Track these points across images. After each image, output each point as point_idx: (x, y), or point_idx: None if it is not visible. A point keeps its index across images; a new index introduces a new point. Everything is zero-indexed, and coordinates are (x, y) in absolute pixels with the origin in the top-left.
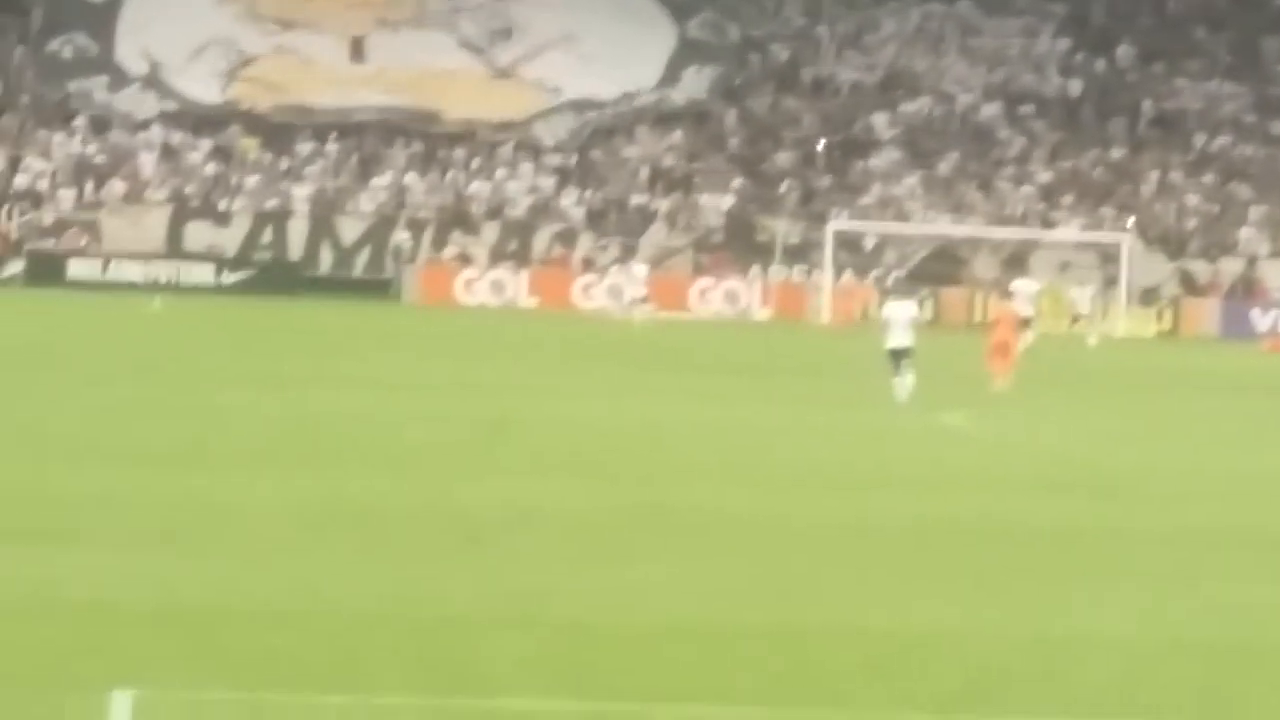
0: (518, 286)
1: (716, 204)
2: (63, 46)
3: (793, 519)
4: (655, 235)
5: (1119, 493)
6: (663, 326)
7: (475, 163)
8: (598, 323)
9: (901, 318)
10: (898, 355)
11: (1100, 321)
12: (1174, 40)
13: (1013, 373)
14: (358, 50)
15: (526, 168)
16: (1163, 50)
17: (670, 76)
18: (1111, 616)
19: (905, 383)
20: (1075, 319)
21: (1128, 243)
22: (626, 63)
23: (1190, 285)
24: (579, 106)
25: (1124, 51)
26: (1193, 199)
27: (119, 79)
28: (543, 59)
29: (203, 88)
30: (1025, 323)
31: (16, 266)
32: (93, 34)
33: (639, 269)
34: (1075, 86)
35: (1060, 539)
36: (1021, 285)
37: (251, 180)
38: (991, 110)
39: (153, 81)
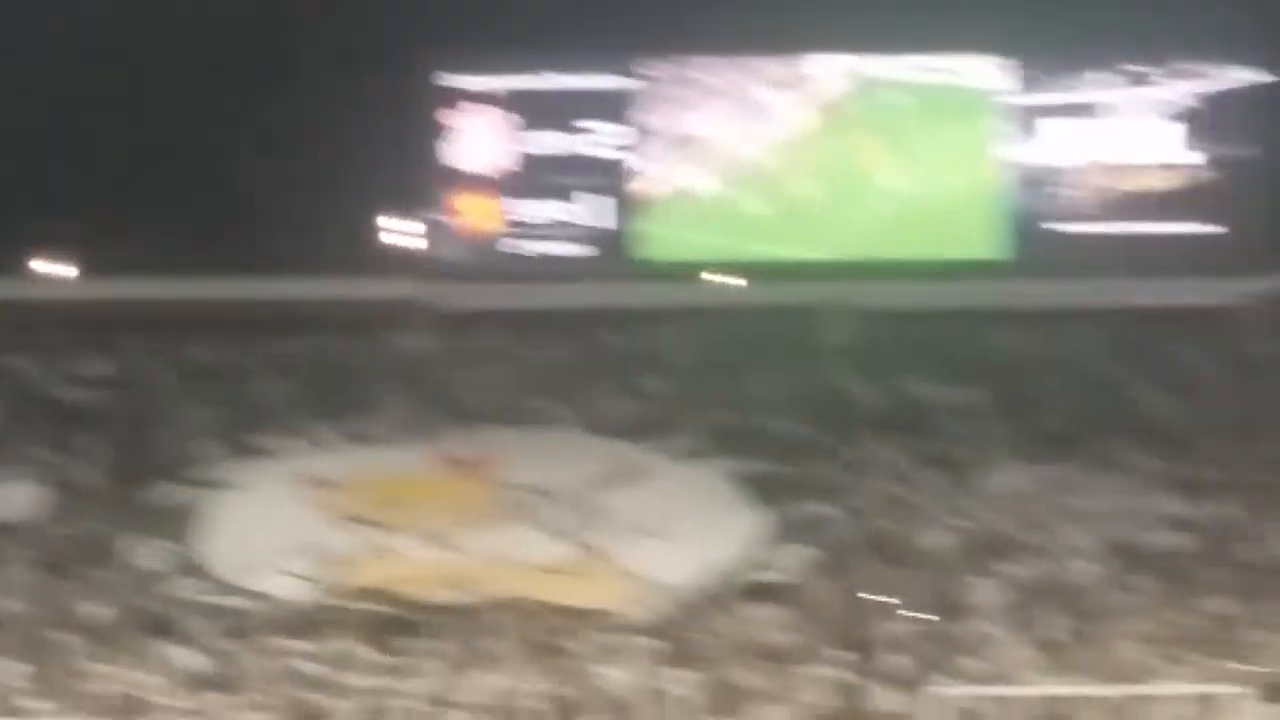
0: None
1: (823, 680)
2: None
3: None
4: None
5: None
6: None
7: (581, 651)
8: None
9: None
10: None
11: None
12: (1276, 488)
13: None
14: (447, 545)
15: (630, 653)
16: (1265, 499)
17: (766, 554)
18: None
19: None
20: None
21: (1244, 695)
22: (722, 544)
23: None
24: (681, 589)
25: (1225, 502)
26: None
27: (220, 584)
28: (635, 546)
29: (299, 590)
30: None
31: None
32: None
33: None
34: (1179, 539)
35: None
36: None
37: (363, 682)
38: (1097, 569)
39: (248, 585)
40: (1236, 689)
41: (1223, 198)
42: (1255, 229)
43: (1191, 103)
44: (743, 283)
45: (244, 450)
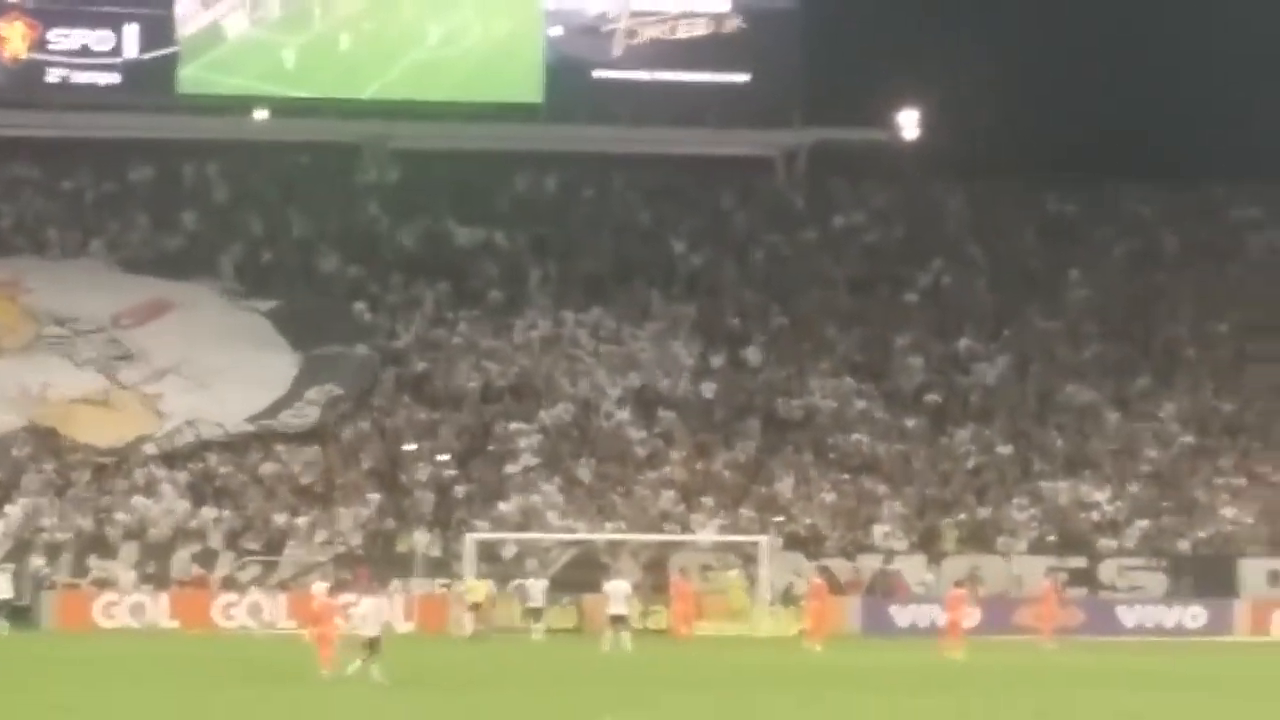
0: (158, 609)
1: (354, 518)
2: None
3: None
4: (294, 552)
5: None
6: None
7: (108, 485)
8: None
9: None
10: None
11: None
12: (803, 339)
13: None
14: None
15: (161, 489)
16: (792, 350)
17: (299, 394)
18: None
19: None
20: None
21: (765, 543)
22: (254, 382)
23: (830, 583)
24: (210, 426)
25: (754, 352)
26: (829, 497)
27: None
28: (166, 381)
29: None
30: (618, 620)
31: None
32: None
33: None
34: (708, 389)
35: None
36: (613, 586)
37: None
38: (626, 415)
39: None
40: (759, 537)
41: (754, 48)
42: (785, 80)
43: None
44: (279, 120)
45: None
